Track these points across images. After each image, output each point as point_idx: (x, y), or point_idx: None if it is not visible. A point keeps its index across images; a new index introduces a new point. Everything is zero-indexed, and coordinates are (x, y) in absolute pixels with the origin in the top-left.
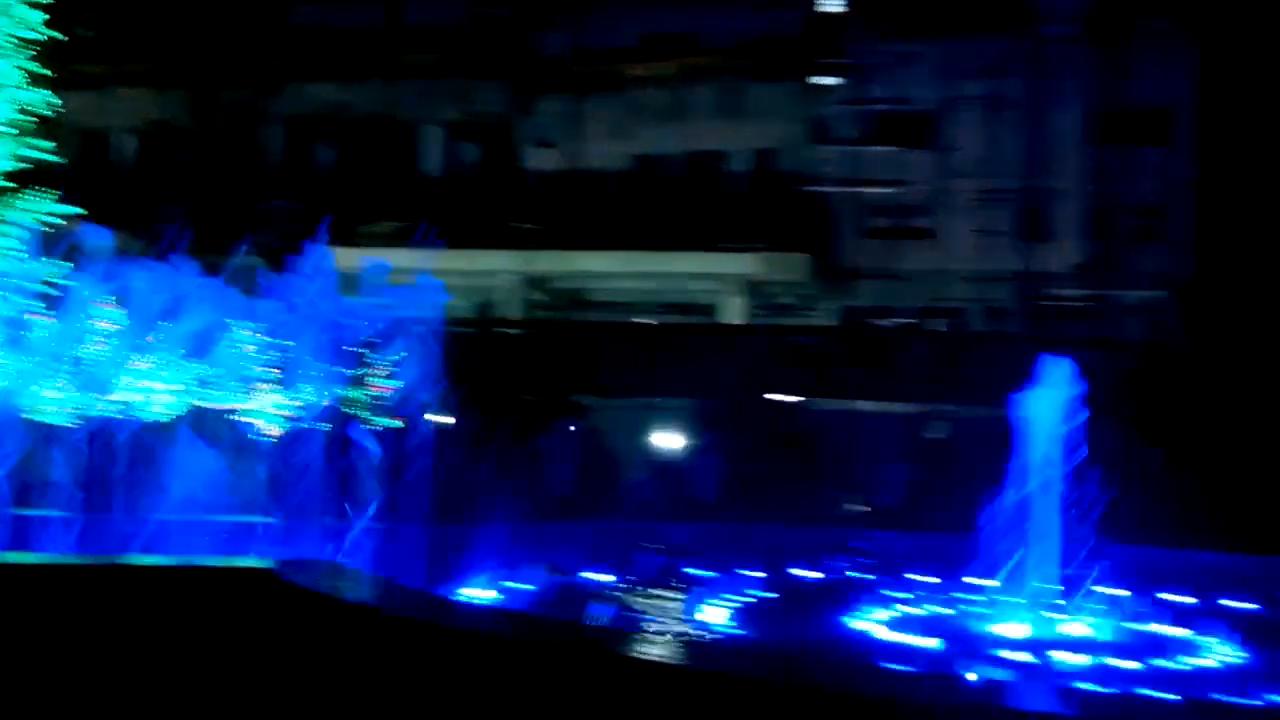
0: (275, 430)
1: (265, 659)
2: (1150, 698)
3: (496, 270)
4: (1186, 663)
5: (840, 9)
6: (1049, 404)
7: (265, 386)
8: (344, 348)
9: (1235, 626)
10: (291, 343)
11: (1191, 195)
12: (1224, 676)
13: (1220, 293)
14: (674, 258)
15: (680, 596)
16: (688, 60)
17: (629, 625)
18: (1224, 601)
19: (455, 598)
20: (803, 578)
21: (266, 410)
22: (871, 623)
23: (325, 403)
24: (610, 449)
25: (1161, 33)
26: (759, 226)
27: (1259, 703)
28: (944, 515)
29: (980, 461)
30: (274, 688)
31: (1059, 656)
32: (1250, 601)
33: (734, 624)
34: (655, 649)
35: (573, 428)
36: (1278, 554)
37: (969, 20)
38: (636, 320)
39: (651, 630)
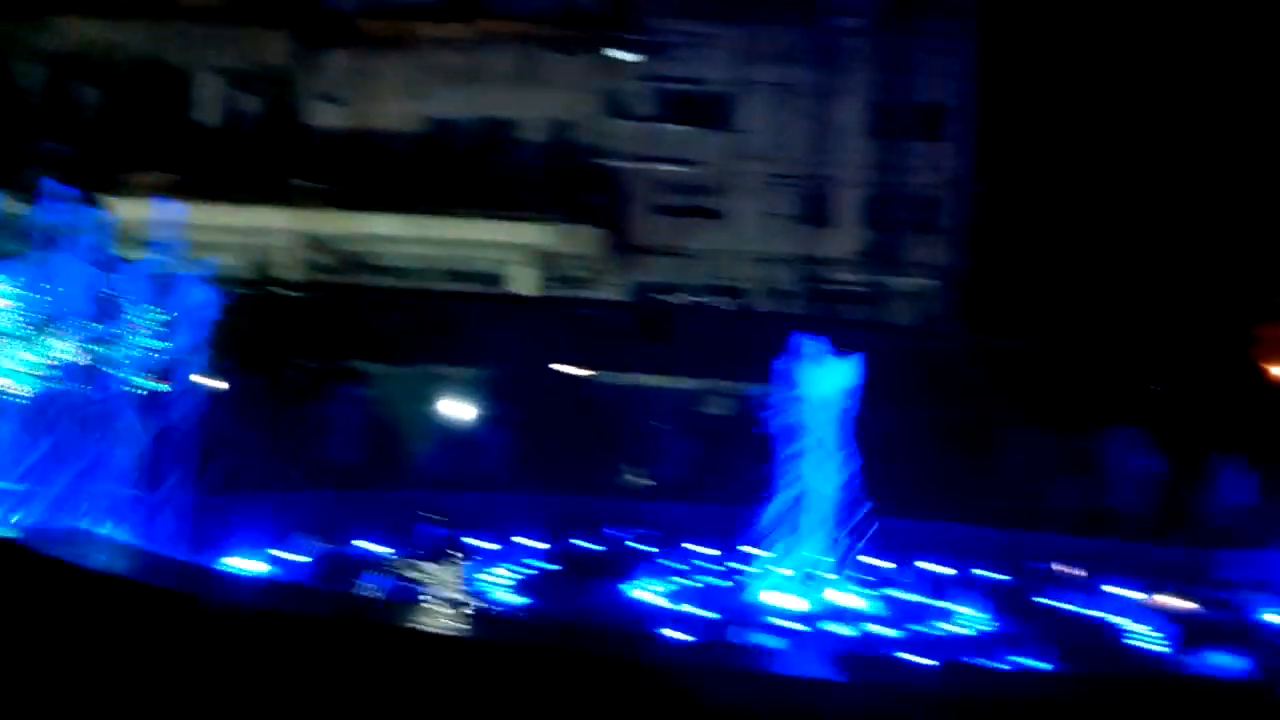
0: (26, 390)
1: (7, 632)
2: (909, 662)
3: (275, 229)
4: (943, 629)
5: None
6: (825, 382)
7: (16, 343)
8: (106, 303)
9: (987, 595)
10: (48, 297)
11: (965, 189)
12: (976, 642)
13: (989, 282)
14: (463, 224)
15: (459, 567)
16: (485, 24)
17: (404, 596)
18: (978, 571)
19: (217, 568)
20: (584, 548)
21: (17, 369)
22: (650, 593)
23: (84, 362)
24: (393, 418)
25: (941, 32)
26: (551, 198)
27: (1006, 665)
28: (724, 489)
29: (760, 437)
30: (15, 661)
31: (827, 625)
32: (1001, 572)
33: (513, 594)
34: (430, 620)
35: (354, 395)
36: (1026, 528)
37: (763, 6)
38: (422, 287)
39: (428, 601)
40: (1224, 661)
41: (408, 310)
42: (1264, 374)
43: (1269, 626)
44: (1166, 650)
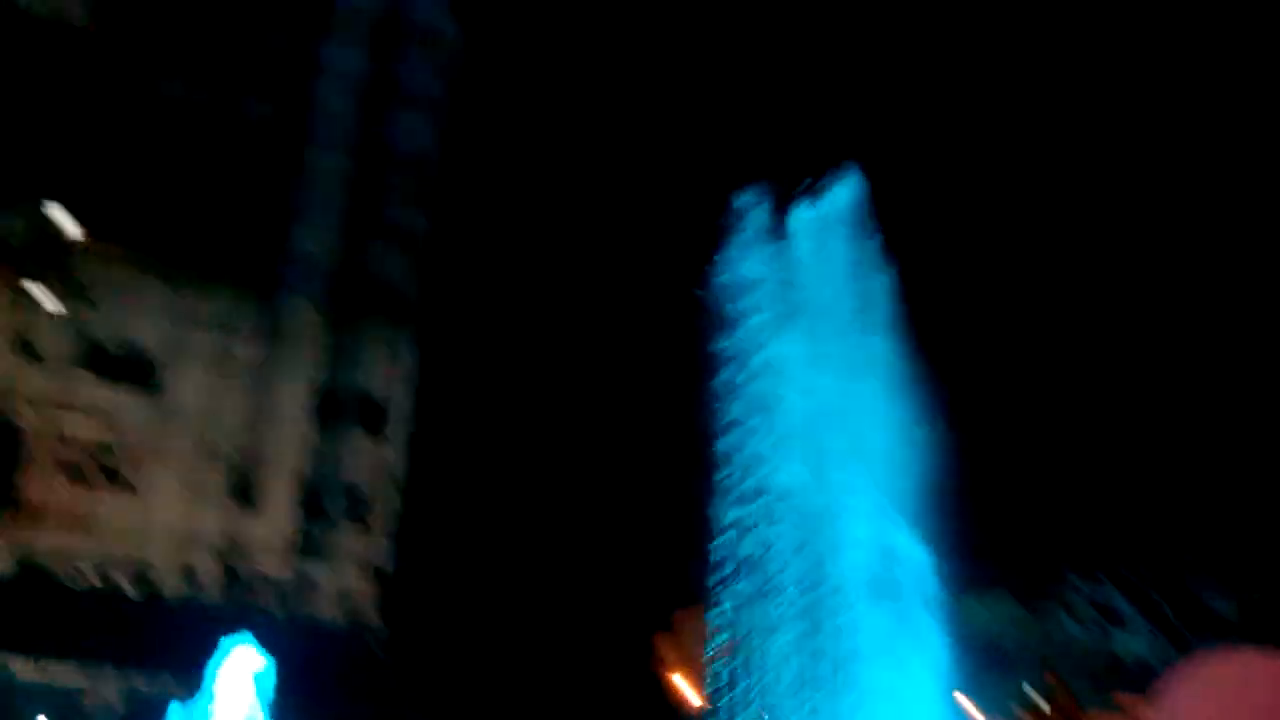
0: None
1: None
2: None
3: None
4: None
5: (69, 222)
6: (239, 679)
7: None
8: None
9: None
10: None
11: (401, 487)
12: None
13: (418, 581)
14: None
15: None
16: None
17: None
18: None
19: None
20: None
21: None
22: None
23: None
24: None
25: (386, 332)
26: None
27: None
28: None
29: None
30: None
31: None
32: None
33: None
34: None
35: None
36: None
37: (205, 267)
38: None
39: None
40: None
41: None
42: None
43: None
44: None
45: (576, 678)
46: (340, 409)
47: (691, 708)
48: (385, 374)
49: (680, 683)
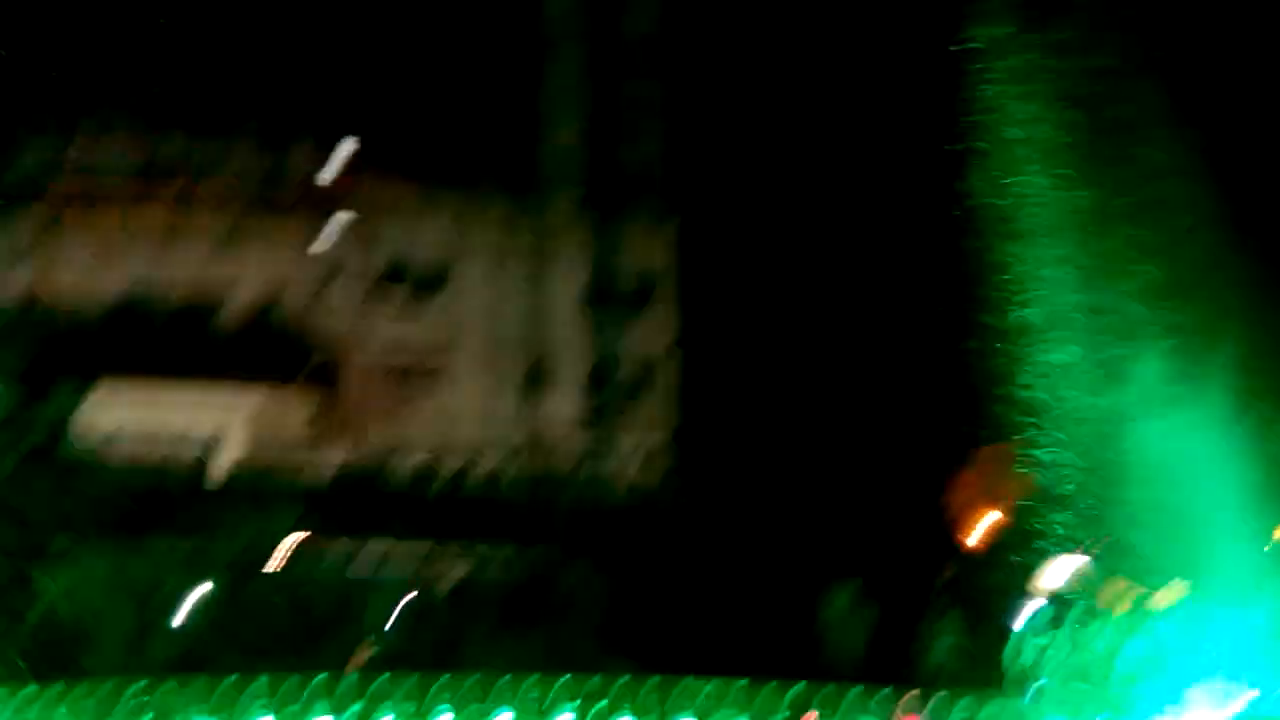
0: None
1: None
2: None
3: None
4: None
5: (355, 148)
6: None
7: None
8: None
9: None
10: None
11: (677, 354)
12: None
13: (704, 450)
14: (169, 392)
15: None
16: (189, 187)
17: None
18: None
19: None
20: None
21: None
22: None
23: None
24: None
25: (644, 214)
26: (263, 362)
27: None
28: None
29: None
30: None
31: None
32: None
33: None
34: None
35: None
36: None
37: (479, 173)
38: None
39: None
40: None
41: (117, 482)
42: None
43: None
44: None
45: (869, 531)
46: (611, 292)
47: (993, 549)
48: (648, 254)
49: (981, 522)
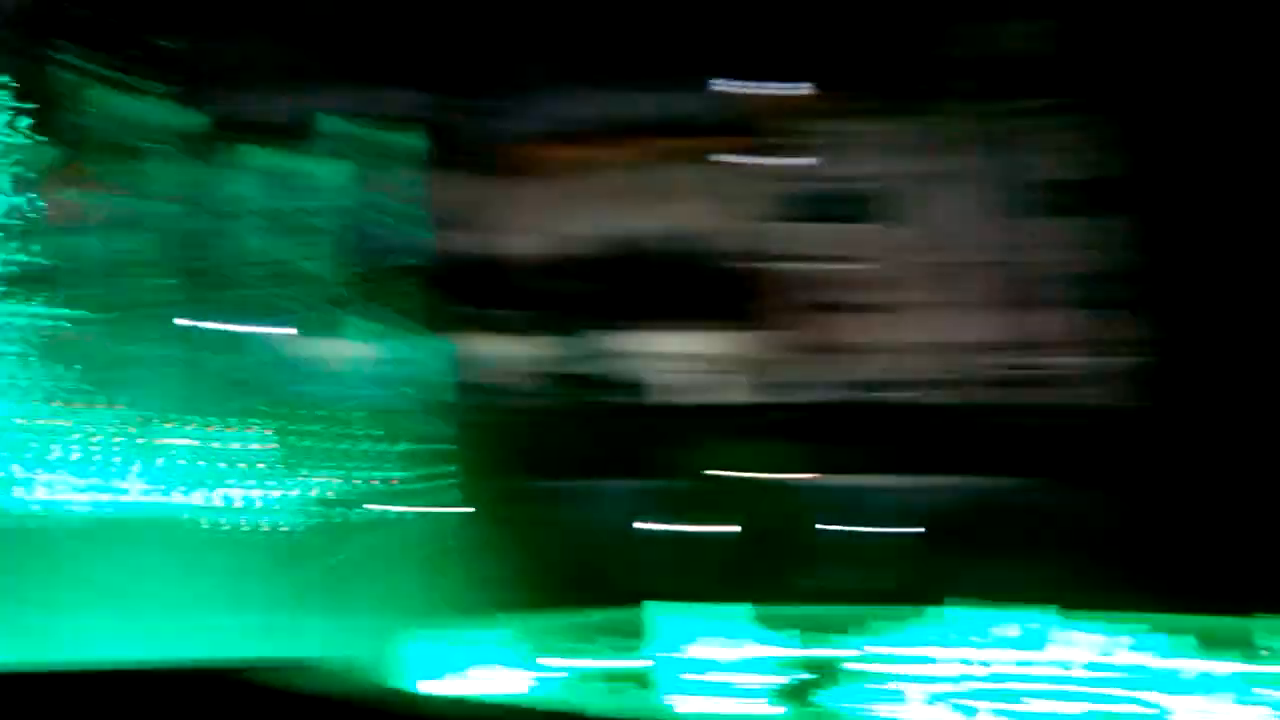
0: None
1: None
2: None
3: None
4: None
5: (793, 90)
6: None
7: None
8: None
9: None
10: None
11: (1152, 262)
12: None
13: (1174, 360)
14: (667, 337)
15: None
16: (655, 143)
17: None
18: None
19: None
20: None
21: None
22: None
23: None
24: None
25: (1067, 114)
26: (728, 306)
27: None
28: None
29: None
30: None
31: None
32: None
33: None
34: None
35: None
36: None
37: (911, 100)
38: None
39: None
40: None
41: (637, 423)
42: None
43: None
44: None
45: None
46: (1052, 198)
47: None
48: (1075, 155)
49: None
